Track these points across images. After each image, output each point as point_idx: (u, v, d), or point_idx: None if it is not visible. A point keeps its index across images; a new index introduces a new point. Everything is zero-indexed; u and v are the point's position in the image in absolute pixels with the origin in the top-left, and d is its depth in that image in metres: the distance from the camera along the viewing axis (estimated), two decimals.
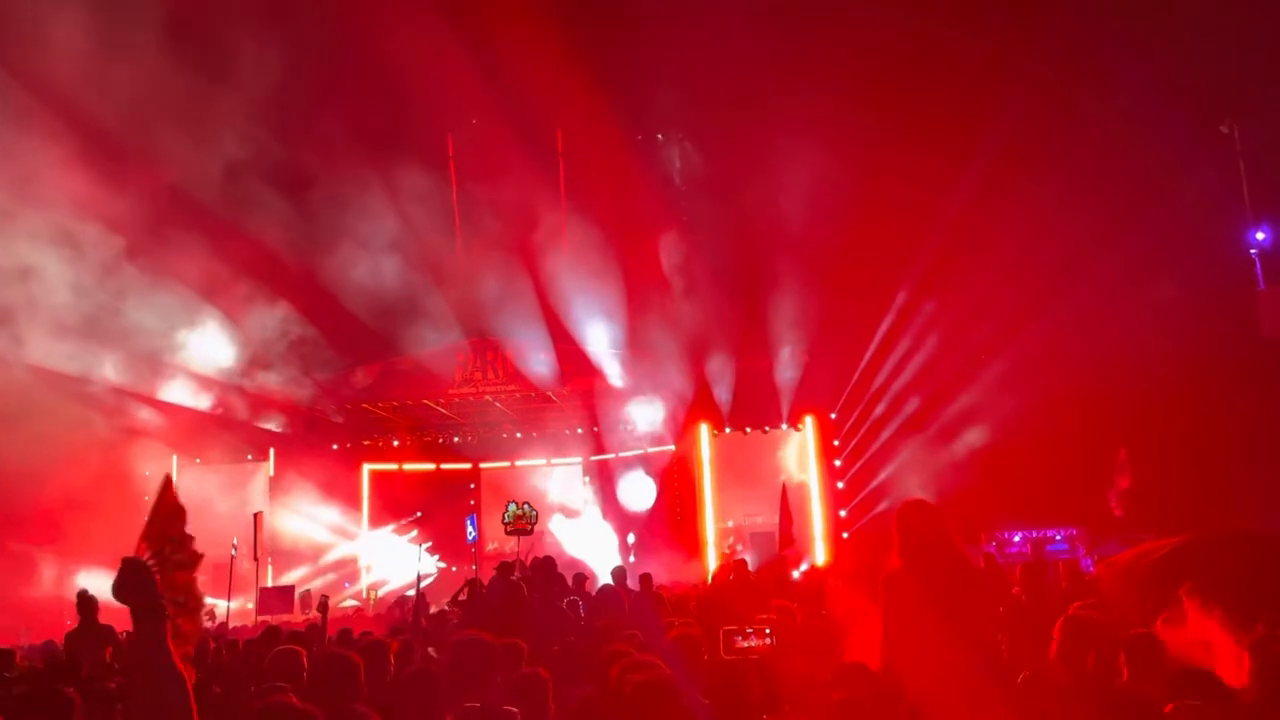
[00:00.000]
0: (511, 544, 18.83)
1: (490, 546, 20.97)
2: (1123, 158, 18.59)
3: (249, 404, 23.90)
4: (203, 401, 23.01)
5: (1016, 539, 18.77)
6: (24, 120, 16.45)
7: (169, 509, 2.99)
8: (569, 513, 25.03)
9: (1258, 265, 17.51)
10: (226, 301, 20.89)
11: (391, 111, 20.47)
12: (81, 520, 17.86)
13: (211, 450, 23.95)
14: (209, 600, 20.14)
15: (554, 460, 26.09)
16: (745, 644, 3.57)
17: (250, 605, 20.59)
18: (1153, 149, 18.17)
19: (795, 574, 16.93)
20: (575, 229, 21.58)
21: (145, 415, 21.05)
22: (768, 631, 3.57)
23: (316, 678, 4.65)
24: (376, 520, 25.32)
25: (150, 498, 3.13)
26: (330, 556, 24.09)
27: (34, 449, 18.70)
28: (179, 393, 22.01)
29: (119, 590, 2.66)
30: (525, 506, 18.34)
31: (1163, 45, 17.21)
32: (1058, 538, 18.29)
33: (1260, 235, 17.46)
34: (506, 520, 18.73)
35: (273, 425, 24.11)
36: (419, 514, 24.73)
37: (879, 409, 22.11)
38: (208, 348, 21.00)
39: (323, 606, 9.38)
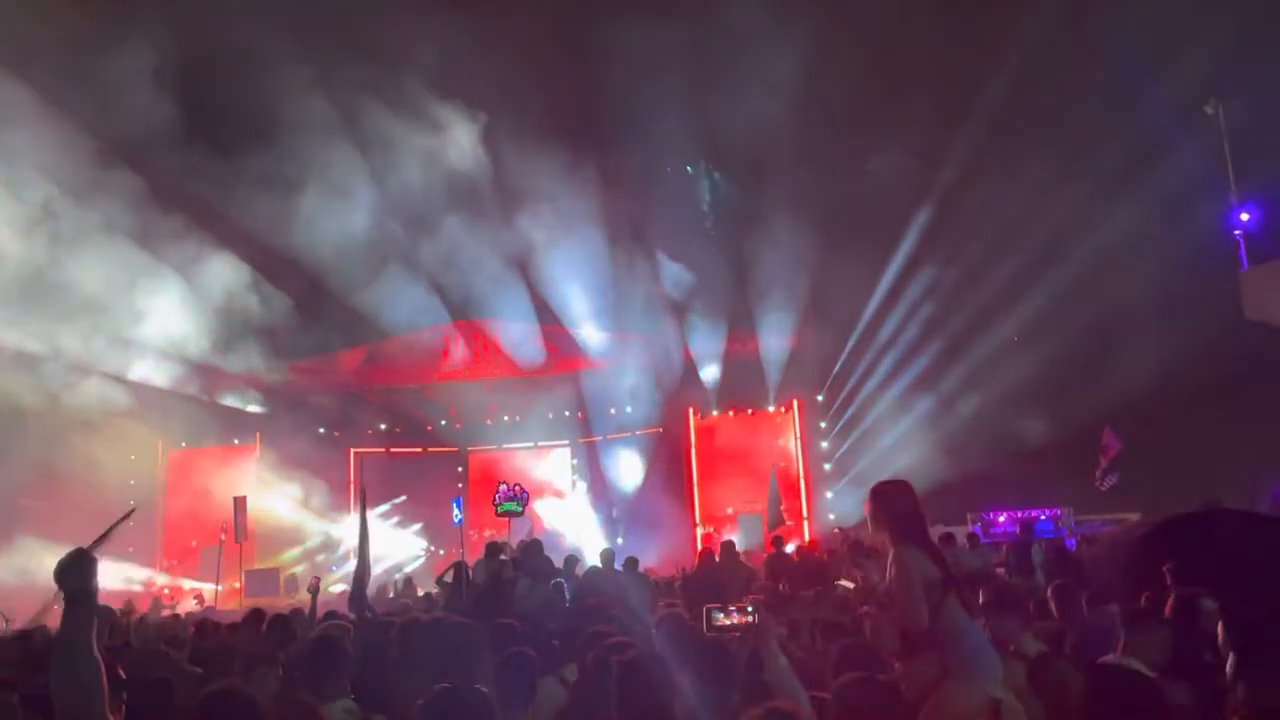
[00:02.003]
0: (506, 531, 18.86)
1: (486, 534, 20.93)
2: (1107, 137, 18.62)
3: (234, 388, 23.84)
4: (188, 385, 22.93)
5: (1002, 519, 18.91)
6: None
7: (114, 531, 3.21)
8: (557, 496, 25.03)
9: (1241, 247, 17.55)
10: (214, 287, 20.78)
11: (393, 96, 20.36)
12: (68, 504, 17.78)
13: (197, 434, 23.85)
14: (197, 584, 20.14)
15: (541, 443, 26.07)
16: (727, 621, 3.56)
17: (237, 587, 20.61)
18: (1137, 129, 18.21)
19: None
20: (567, 215, 21.45)
21: (131, 399, 20.93)
22: (750, 609, 3.55)
23: (303, 659, 4.67)
24: (366, 505, 25.24)
25: (132, 504, 3.28)
26: (316, 540, 24.06)
27: (18, 433, 18.66)
28: (165, 377, 21.94)
29: (63, 574, 2.86)
30: (516, 488, 18.36)
31: (1147, 24, 17.21)
32: (1043, 517, 18.41)
33: (1244, 216, 17.49)
34: (497, 502, 18.77)
35: (258, 409, 24.03)
36: (403, 497, 24.68)
37: (865, 391, 22.21)
38: (193, 331, 20.90)
39: (314, 589, 9.33)
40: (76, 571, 2.86)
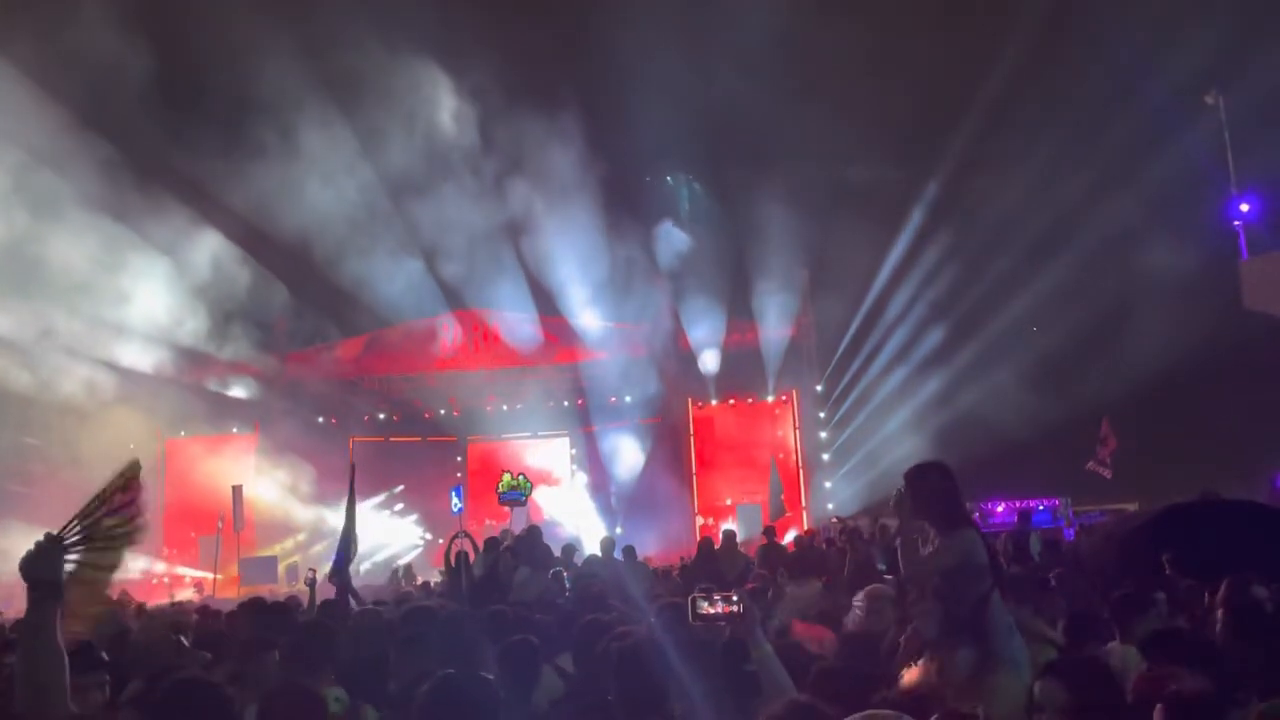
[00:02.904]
0: (505, 521, 18.86)
1: (487, 524, 20.96)
2: (1107, 128, 18.59)
3: (232, 376, 23.81)
4: (185, 373, 22.91)
5: (1000, 509, 18.93)
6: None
7: (121, 488, 3.05)
8: (556, 485, 25.03)
9: (1241, 237, 17.54)
10: (211, 274, 20.74)
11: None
12: (65, 492, 17.75)
13: (196, 423, 23.81)
14: (196, 573, 20.04)
15: (540, 432, 26.06)
16: (712, 610, 3.54)
17: (236, 576, 20.61)
18: (1137, 119, 18.17)
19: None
20: (569, 202, 21.41)
21: (129, 387, 20.92)
22: (735, 598, 3.54)
23: (292, 647, 4.67)
24: (362, 493, 25.24)
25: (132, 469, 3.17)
26: (315, 529, 24.07)
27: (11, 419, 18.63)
28: (162, 364, 21.93)
29: (27, 566, 2.78)
30: (520, 478, 18.35)
31: (1148, 14, 17.16)
32: (1041, 507, 18.44)
33: (1244, 207, 17.46)
34: (501, 491, 18.78)
35: (256, 397, 24.00)
36: (400, 487, 24.73)
37: (865, 381, 22.23)
38: (190, 318, 20.89)
39: (311, 582, 9.31)
40: (44, 562, 2.79)
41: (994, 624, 4.34)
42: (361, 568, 23.26)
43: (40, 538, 2.85)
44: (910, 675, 4.32)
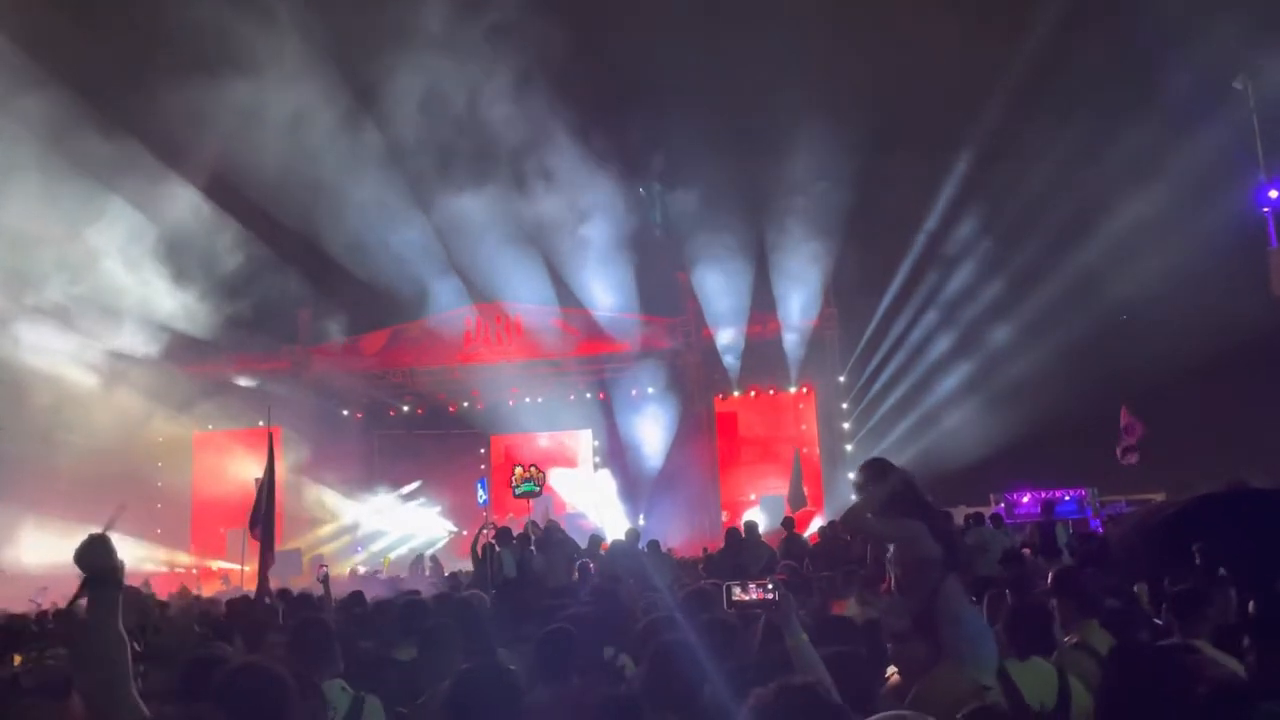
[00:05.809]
0: (528, 514, 18.91)
1: (508, 518, 21.05)
2: (1134, 113, 18.41)
3: (258, 370, 24.00)
4: (212, 367, 23.12)
5: (1025, 499, 18.83)
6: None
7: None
8: (580, 478, 25.05)
9: (1270, 224, 17.31)
10: (238, 270, 20.89)
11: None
12: (95, 485, 17.94)
13: (221, 416, 23.99)
14: (224, 564, 20.16)
15: (563, 425, 26.07)
16: (747, 597, 3.54)
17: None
18: (1165, 105, 17.97)
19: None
20: (585, 195, 21.42)
21: (157, 382, 21.11)
22: (770, 586, 3.54)
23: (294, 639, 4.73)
24: (387, 485, 25.44)
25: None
26: (341, 521, 24.24)
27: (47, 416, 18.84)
28: (192, 359, 22.16)
29: (81, 558, 2.83)
30: (531, 469, 18.39)
31: None
32: (1067, 498, 18.33)
33: (1273, 194, 17.23)
34: (515, 485, 18.81)
35: (282, 391, 24.15)
36: (418, 483, 24.90)
37: (888, 372, 22.14)
38: (217, 314, 21.07)
39: (324, 579, 9.29)
40: (96, 552, 2.84)
41: (943, 616, 4.35)
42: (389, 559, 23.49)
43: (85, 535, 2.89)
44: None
